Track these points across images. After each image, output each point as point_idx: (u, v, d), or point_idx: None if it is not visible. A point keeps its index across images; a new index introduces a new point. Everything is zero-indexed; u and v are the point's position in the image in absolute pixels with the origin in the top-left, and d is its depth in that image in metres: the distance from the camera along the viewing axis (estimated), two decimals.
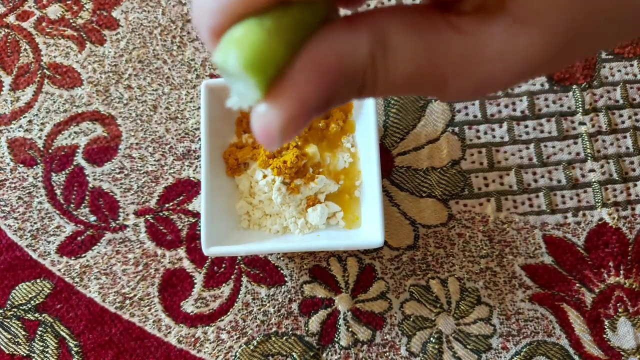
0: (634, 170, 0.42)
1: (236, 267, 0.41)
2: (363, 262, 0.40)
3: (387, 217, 0.41)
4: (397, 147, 0.42)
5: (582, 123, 0.42)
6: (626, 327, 0.39)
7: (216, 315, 0.40)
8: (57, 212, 0.42)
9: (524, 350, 0.39)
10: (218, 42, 0.14)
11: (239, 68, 0.13)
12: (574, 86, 0.43)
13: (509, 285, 0.40)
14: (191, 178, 0.42)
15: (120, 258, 0.41)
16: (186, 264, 0.41)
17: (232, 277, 0.40)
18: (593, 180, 0.41)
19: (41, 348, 0.39)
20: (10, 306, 0.40)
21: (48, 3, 0.46)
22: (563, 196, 0.41)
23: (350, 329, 0.39)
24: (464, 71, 0.15)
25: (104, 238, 0.41)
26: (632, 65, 0.43)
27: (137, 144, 0.43)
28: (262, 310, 0.40)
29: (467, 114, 0.43)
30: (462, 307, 0.39)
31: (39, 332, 0.40)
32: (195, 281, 0.40)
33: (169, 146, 0.43)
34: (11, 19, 0.46)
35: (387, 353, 0.39)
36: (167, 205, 0.42)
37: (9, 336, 0.40)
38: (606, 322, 0.39)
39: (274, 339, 0.39)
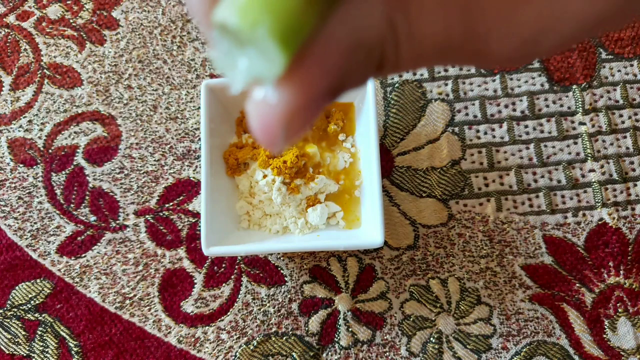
0: (634, 170, 0.42)
1: (236, 267, 0.41)
2: (363, 262, 0.40)
3: (387, 217, 0.41)
4: (397, 147, 0.42)
5: (582, 123, 0.42)
6: (626, 327, 0.39)
7: (216, 315, 0.40)
8: (57, 212, 0.42)
9: (524, 350, 0.39)
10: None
11: (267, 37, 0.10)
12: (574, 86, 0.43)
13: (509, 285, 0.40)
14: (191, 178, 0.42)
15: (120, 258, 0.41)
16: (186, 264, 0.41)
17: (232, 277, 0.40)
18: (593, 180, 0.41)
19: (41, 348, 0.39)
20: (10, 306, 0.40)
21: (48, 3, 0.46)
22: (563, 196, 0.41)
23: (350, 329, 0.39)
24: (508, 27, 0.12)
25: (104, 238, 0.41)
26: (632, 65, 0.43)
27: (137, 144, 0.43)
28: (262, 310, 0.40)
29: (467, 114, 0.43)
30: (462, 307, 0.39)
31: (39, 332, 0.40)
32: (195, 281, 0.40)
33: (169, 146, 0.43)
34: (11, 19, 0.46)
35: (387, 353, 0.39)
36: (167, 205, 0.42)
37: (9, 336, 0.40)
38: (606, 322, 0.39)
39: (274, 339, 0.39)
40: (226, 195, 0.38)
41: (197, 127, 0.43)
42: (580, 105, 0.43)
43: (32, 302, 0.40)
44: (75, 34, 0.45)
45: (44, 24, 0.46)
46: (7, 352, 0.39)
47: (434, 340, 0.39)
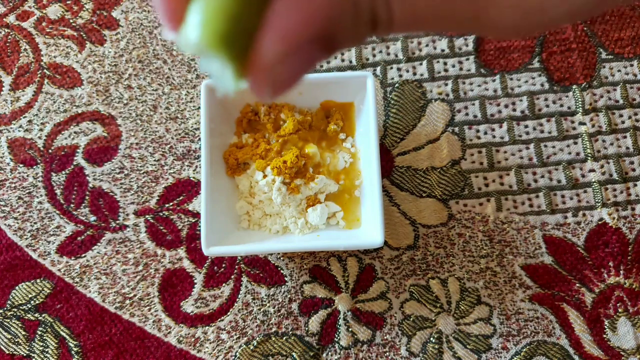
0: (634, 170, 0.42)
1: (236, 267, 0.41)
2: (363, 262, 0.40)
3: (387, 217, 0.41)
4: (397, 147, 0.42)
5: (582, 123, 0.42)
6: (626, 327, 0.39)
7: (216, 315, 0.40)
8: (57, 212, 0.42)
9: (524, 350, 0.39)
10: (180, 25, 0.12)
11: (207, 48, 0.11)
12: (574, 86, 0.43)
13: (509, 285, 0.40)
14: (191, 178, 0.42)
15: (120, 258, 0.41)
16: (186, 264, 0.41)
17: (232, 277, 0.40)
18: (593, 180, 0.41)
19: (41, 348, 0.39)
20: (10, 306, 0.40)
21: (48, 3, 0.46)
22: (563, 196, 0.41)
23: (350, 329, 0.39)
24: None
25: (104, 238, 0.41)
26: (632, 65, 0.43)
27: (137, 144, 0.43)
28: (262, 310, 0.40)
29: (467, 114, 0.43)
30: (462, 307, 0.39)
31: (39, 332, 0.40)
32: (195, 281, 0.40)
33: (169, 146, 0.43)
34: (11, 19, 0.46)
35: (387, 353, 0.39)
36: (167, 205, 0.42)
37: (9, 336, 0.40)
38: (606, 322, 0.39)
39: (274, 339, 0.39)
40: (226, 195, 0.38)
41: (197, 127, 0.43)
42: (580, 105, 0.43)
43: (32, 302, 0.40)
44: (75, 34, 0.45)
45: (44, 24, 0.46)
46: (7, 352, 0.39)
47: (434, 340, 0.39)
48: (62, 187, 0.42)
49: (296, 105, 0.40)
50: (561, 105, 0.43)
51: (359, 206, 0.38)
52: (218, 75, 0.12)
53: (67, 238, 0.41)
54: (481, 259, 0.40)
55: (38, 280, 0.41)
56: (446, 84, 0.43)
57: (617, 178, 0.41)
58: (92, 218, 0.42)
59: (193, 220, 0.41)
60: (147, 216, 0.42)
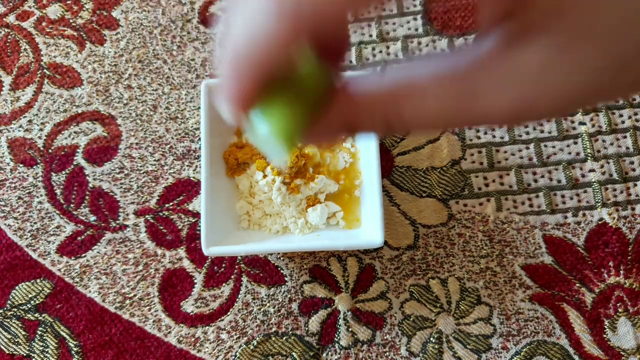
0: (634, 170, 0.42)
1: (236, 267, 0.41)
2: (363, 262, 0.40)
3: (387, 217, 0.41)
4: (397, 147, 0.42)
5: (582, 123, 0.42)
6: (626, 327, 0.39)
7: (216, 315, 0.40)
8: (57, 212, 0.42)
9: (524, 350, 0.39)
10: (244, 114, 0.16)
11: (273, 139, 0.16)
12: None
13: (509, 285, 0.40)
14: (191, 178, 0.42)
15: (120, 258, 0.41)
16: (186, 264, 0.41)
17: (232, 277, 0.40)
18: (593, 180, 0.41)
19: (41, 348, 0.39)
20: (10, 306, 0.40)
21: (48, 3, 0.46)
22: (563, 196, 0.41)
23: (350, 329, 0.39)
24: (498, 89, 0.15)
25: (104, 238, 0.41)
26: None
27: (137, 143, 0.43)
28: (262, 310, 0.40)
29: None
30: (462, 307, 0.39)
31: (39, 332, 0.40)
32: (195, 281, 0.40)
33: (169, 146, 0.43)
34: (11, 18, 0.46)
35: (387, 353, 0.39)
36: (167, 205, 0.42)
37: (9, 336, 0.40)
38: (606, 322, 0.39)
39: (274, 339, 0.39)
40: (226, 195, 0.38)
41: (197, 127, 0.43)
42: None
43: (32, 302, 0.40)
44: (75, 33, 0.45)
45: (44, 23, 0.46)
46: (7, 352, 0.39)
47: (434, 340, 0.39)
48: (62, 187, 0.42)
49: None
50: None
51: (359, 206, 0.38)
52: (272, 151, 0.17)
53: (67, 238, 0.41)
54: (481, 259, 0.40)
55: (38, 280, 0.41)
56: None
57: (617, 178, 0.41)
58: (92, 218, 0.42)
59: (193, 220, 0.41)
60: (147, 216, 0.42)
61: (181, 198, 0.42)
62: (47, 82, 0.44)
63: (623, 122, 0.42)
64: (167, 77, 0.44)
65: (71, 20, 0.46)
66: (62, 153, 0.43)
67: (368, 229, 0.36)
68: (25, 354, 0.39)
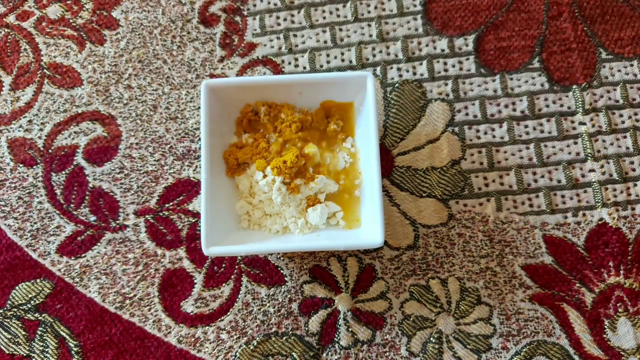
0: (634, 170, 0.42)
1: (236, 267, 0.41)
2: (363, 262, 0.40)
3: (387, 217, 0.41)
4: (397, 147, 0.42)
5: (582, 123, 0.42)
6: (626, 327, 0.39)
7: (216, 315, 0.40)
8: (57, 212, 0.42)
9: (524, 350, 0.39)
10: None
11: None
12: (574, 86, 0.43)
13: (509, 285, 0.40)
14: (191, 178, 0.42)
15: (120, 258, 0.41)
16: (186, 264, 0.41)
17: (232, 277, 0.40)
18: (593, 180, 0.41)
19: (41, 348, 0.39)
20: (10, 306, 0.40)
21: (48, 3, 0.46)
22: (563, 196, 0.41)
23: (350, 329, 0.39)
24: None
25: (104, 238, 0.41)
26: (632, 65, 0.43)
27: (137, 144, 0.43)
28: (262, 310, 0.40)
29: (467, 114, 0.43)
30: (462, 307, 0.39)
31: (39, 332, 0.40)
32: (195, 281, 0.40)
33: (169, 146, 0.43)
34: (11, 18, 0.46)
35: (387, 353, 0.39)
36: (167, 205, 0.42)
37: (9, 336, 0.40)
38: (606, 322, 0.39)
39: (274, 339, 0.39)
40: (226, 195, 0.38)
41: (197, 127, 0.43)
42: (580, 105, 0.43)
43: (32, 302, 0.40)
44: (75, 33, 0.45)
45: (44, 23, 0.46)
46: (7, 352, 0.39)
47: (434, 340, 0.39)
48: (62, 187, 0.42)
49: (296, 105, 0.40)
50: (561, 105, 0.43)
51: (359, 206, 0.38)
52: None
53: (67, 238, 0.41)
54: (481, 259, 0.40)
55: (38, 280, 0.41)
56: (446, 84, 0.43)
57: (617, 178, 0.41)
58: (92, 218, 0.42)
59: (193, 220, 0.41)
60: (147, 216, 0.42)
61: (181, 198, 0.42)
62: (47, 82, 0.44)
63: (623, 122, 0.42)
64: (167, 77, 0.44)
65: (71, 20, 0.46)
66: (62, 153, 0.43)
67: (368, 229, 0.36)
68: (25, 354, 0.39)
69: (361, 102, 0.38)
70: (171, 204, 0.42)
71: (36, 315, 0.40)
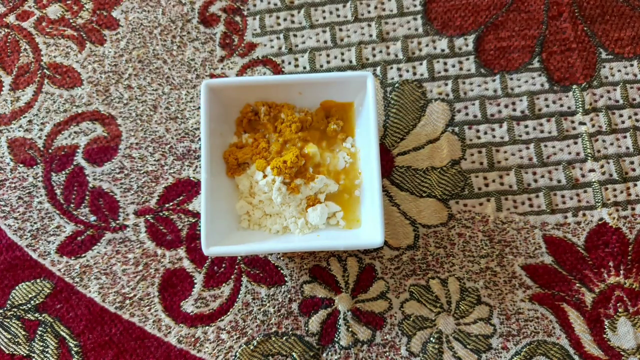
0: (634, 170, 0.42)
1: (236, 267, 0.41)
2: (363, 262, 0.40)
3: (387, 217, 0.41)
4: (397, 147, 0.42)
5: (582, 123, 0.42)
6: (626, 327, 0.39)
7: (216, 315, 0.40)
8: (57, 212, 0.42)
9: (524, 350, 0.39)
10: None
11: None
12: (574, 86, 0.43)
13: (509, 285, 0.40)
14: (191, 178, 0.42)
15: (120, 258, 0.41)
16: (186, 264, 0.41)
17: (232, 277, 0.40)
18: (593, 180, 0.41)
19: (41, 348, 0.39)
20: (10, 306, 0.40)
21: (48, 3, 0.46)
22: (563, 196, 0.41)
23: (350, 329, 0.39)
24: None
25: (104, 238, 0.41)
26: (632, 65, 0.43)
27: (137, 143, 0.43)
28: (262, 310, 0.40)
29: (467, 114, 0.43)
30: (462, 307, 0.39)
31: (39, 332, 0.40)
32: (195, 281, 0.40)
33: (169, 146, 0.43)
34: (11, 18, 0.46)
35: (387, 353, 0.39)
36: (167, 205, 0.42)
37: (9, 336, 0.40)
38: (606, 322, 0.39)
39: (274, 339, 0.39)
40: (226, 195, 0.38)
41: (197, 127, 0.43)
42: (580, 105, 0.43)
43: (32, 302, 0.40)
44: (75, 33, 0.45)
45: (44, 23, 0.46)
46: (7, 352, 0.39)
47: (434, 340, 0.39)
48: (62, 187, 0.42)
49: (296, 105, 0.40)
50: (561, 105, 0.43)
51: (359, 206, 0.38)
52: None
53: (67, 238, 0.41)
54: (481, 259, 0.40)
55: (38, 280, 0.41)
56: (446, 84, 0.43)
57: (617, 178, 0.41)
58: (92, 218, 0.42)
59: (193, 220, 0.41)
60: (147, 216, 0.42)
61: (181, 198, 0.42)
62: (47, 82, 0.44)
63: (623, 122, 0.42)
64: (167, 77, 0.44)
65: (71, 20, 0.46)
66: (62, 153, 0.43)
67: (368, 229, 0.36)
68: (25, 354, 0.39)
69: (361, 102, 0.38)
70: (171, 204, 0.42)
71: (36, 315, 0.40)
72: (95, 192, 0.42)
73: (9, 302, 0.40)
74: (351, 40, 0.45)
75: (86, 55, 0.45)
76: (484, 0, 0.45)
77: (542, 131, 0.42)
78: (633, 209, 0.41)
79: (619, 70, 0.43)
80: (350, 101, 0.39)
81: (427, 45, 0.44)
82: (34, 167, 0.43)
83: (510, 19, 0.44)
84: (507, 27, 0.44)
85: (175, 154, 0.43)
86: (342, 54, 0.44)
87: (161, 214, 0.42)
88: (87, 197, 0.42)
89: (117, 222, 0.41)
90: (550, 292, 0.40)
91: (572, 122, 0.43)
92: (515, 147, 0.42)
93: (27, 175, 0.43)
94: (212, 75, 0.44)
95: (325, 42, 0.45)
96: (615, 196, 0.41)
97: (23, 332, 0.40)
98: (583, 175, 0.42)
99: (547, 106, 0.43)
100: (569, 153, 0.42)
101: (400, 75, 0.44)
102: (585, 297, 0.39)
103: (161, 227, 0.41)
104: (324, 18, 0.45)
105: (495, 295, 0.40)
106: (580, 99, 0.43)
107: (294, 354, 0.39)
